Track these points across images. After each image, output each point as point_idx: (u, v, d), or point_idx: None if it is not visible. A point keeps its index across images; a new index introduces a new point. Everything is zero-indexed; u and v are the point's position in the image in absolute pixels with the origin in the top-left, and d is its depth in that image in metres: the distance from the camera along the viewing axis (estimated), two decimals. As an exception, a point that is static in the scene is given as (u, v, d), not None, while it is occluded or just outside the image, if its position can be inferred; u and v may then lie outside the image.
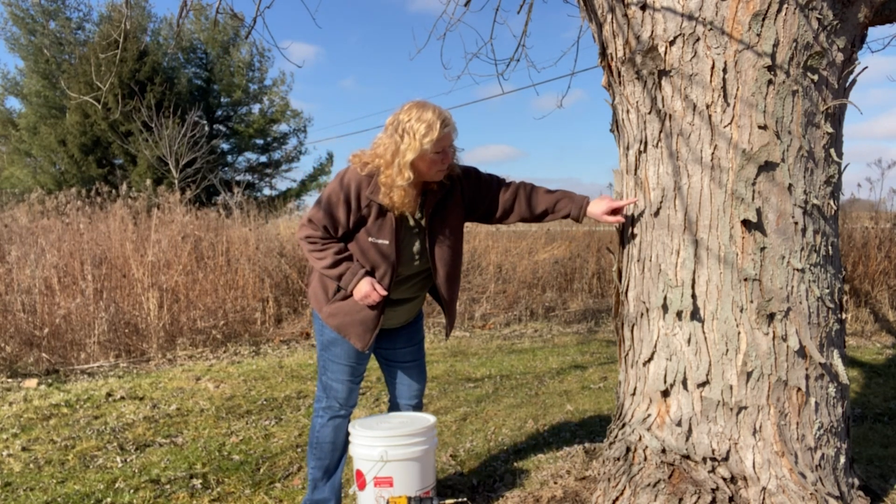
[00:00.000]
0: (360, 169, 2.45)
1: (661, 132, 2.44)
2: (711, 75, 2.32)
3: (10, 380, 5.24)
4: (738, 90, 2.31)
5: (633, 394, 2.63)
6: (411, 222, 2.53)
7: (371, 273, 2.49)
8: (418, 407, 2.88)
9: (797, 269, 2.33)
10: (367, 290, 2.46)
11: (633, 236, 2.63)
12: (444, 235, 2.57)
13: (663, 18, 2.37)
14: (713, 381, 2.37)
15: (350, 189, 2.43)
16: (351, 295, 2.52)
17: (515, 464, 3.28)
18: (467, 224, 2.81)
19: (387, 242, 2.46)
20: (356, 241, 2.49)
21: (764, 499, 2.29)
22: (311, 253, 2.50)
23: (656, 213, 2.48)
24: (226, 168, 25.17)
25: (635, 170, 2.57)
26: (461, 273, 2.71)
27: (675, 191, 2.42)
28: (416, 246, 2.55)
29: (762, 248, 2.32)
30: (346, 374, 2.63)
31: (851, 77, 2.45)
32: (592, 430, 3.77)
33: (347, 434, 2.70)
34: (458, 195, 2.61)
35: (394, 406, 2.89)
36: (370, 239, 2.46)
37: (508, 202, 2.64)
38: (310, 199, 25.90)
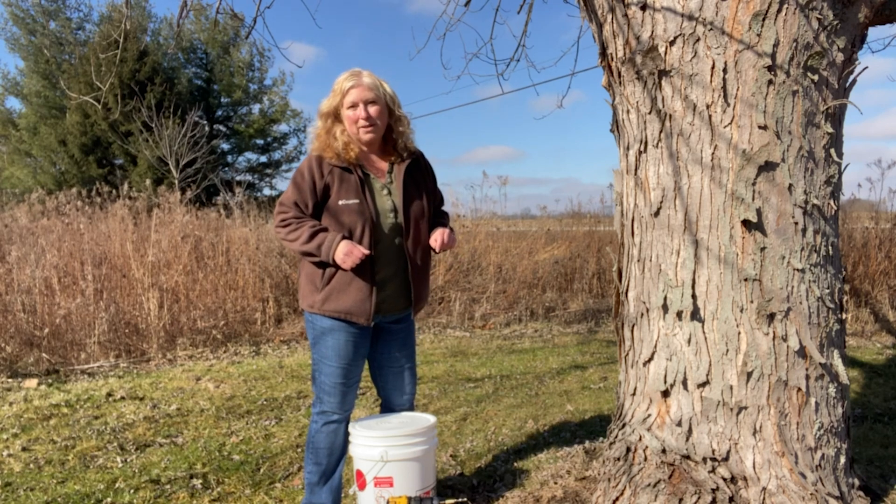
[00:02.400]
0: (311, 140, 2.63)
1: (661, 132, 2.44)
2: (711, 75, 2.32)
3: (10, 380, 5.24)
4: (738, 90, 2.31)
5: (634, 394, 2.63)
6: (378, 184, 2.61)
7: (349, 237, 2.52)
8: (411, 409, 2.87)
9: (797, 270, 2.33)
10: (347, 248, 2.44)
11: (634, 236, 2.63)
12: (414, 194, 2.65)
13: (663, 18, 2.37)
14: (713, 381, 2.37)
15: (311, 162, 2.55)
16: (337, 271, 2.52)
17: (515, 464, 3.28)
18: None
19: (356, 201, 2.52)
20: (328, 211, 2.54)
21: (764, 499, 2.29)
22: (287, 235, 2.53)
23: (656, 214, 2.48)
24: (226, 168, 25.19)
25: (635, 170, 2.57)
26: (429, 250, 2.73)
27: (675, 191, 2.42)
28: (389, 203, 2.60)
29: (762, 249, 2.32)
30: (340, 377, 2.60)
31: (851, 77, 2.45)
32: (592, 430, 3.77)
33: (346, 437, 2.68)
34: (424, 166, 2.75)
35: (387, 410, 2.87)
36: (340, 202, 2.52)
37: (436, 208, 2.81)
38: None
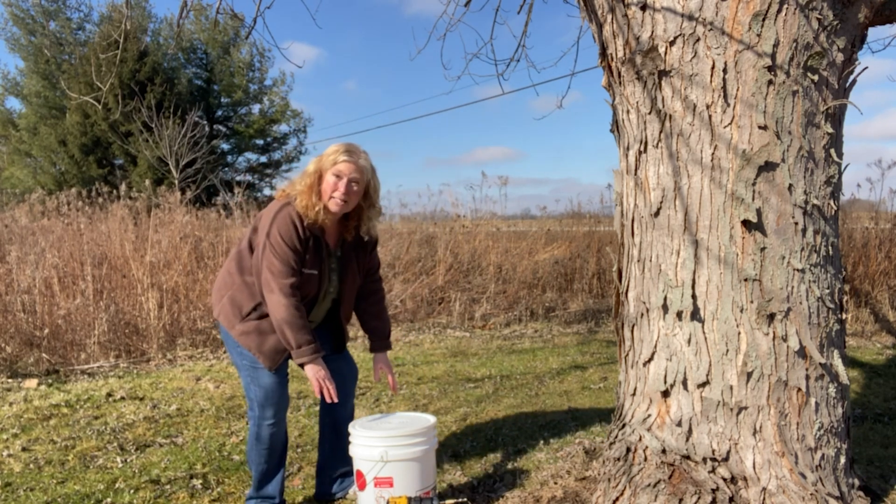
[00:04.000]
0: (290, 201, 2.61)
1: (661, 132, 2.44)
2: (711, 76, 2.32)
3: (10, 380, 5.24)
4: (738, 90, 2.31)
5: (634, 394, 2.63)
6: (332, 256, 2.72)
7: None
8: (352, 397, 2.98)
9: (797, 270, 2.33)
10: (323, 374, 2.60)
11: (634, 236, 2.63)
12: (354, 271, 2.79)
13: (663, 19, 2.37)
14: (713, 381, 2.37)
15: (296, 224, 2.55)
16: (264, 317, 2.61)
17: (515, 464, 3.28)
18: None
19: (315, 273, 2.63)
20: None
21: (764, 499, 2.29)
22: (288, 301, 2.50)
23: (656, 214, 2.48)
24: (226, 168, 25.18)
25: (635, 170, 2.57)
26: (351, 308, 2.96)
27: (675, 191, 2.42)
28: (335, 280, 2.75)
29: (762, 249, 2.32)
30: (273, 377, 2.69)
31: (851, 77, 2.45)
32: (592, 430, 3.77)
33: (286, 434, 2.83)
34: (370, 249, 2.88)
35: (330, 402, 2.89)
36: (305, 271, 2.58)
37: (367, 290, 2.95)
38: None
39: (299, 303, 2.54)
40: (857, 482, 2.53)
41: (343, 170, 2.56)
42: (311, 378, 2.61)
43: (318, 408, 3.01)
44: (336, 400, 2.62)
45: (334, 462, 2.97)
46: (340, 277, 2.76)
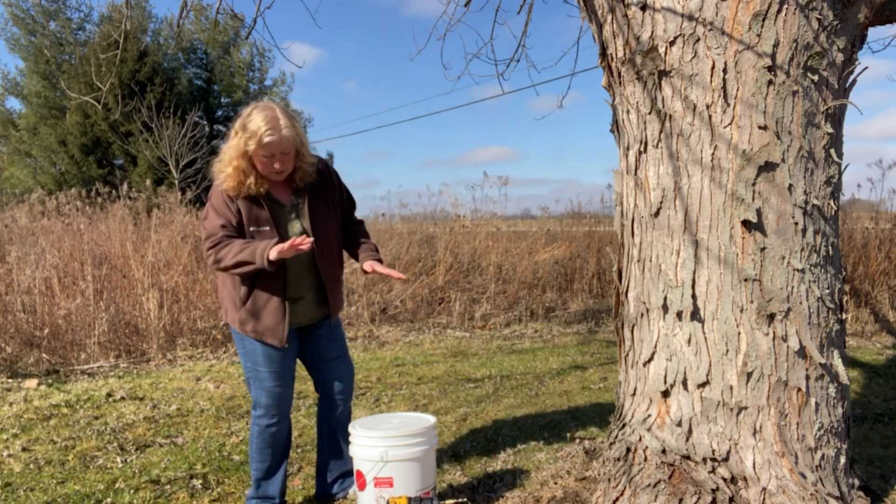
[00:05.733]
0: (218, 174, 2.64)
1: (661, 133, 2.44)
2: (711, 76, 2.32)
3: (10, 380, 5.24)
4: (738, 90, 2.31)
5: (634, 394, 2.63)
6: (285, 209, 2.68)
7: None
8: (349, 400, 2.95)
9: (797, 270, 2.33)
10: (286, 247, 2.45)
11: (634, 237, 2.63)
12: (322, 214, 2.73)
13: (663, 19, 2.37)
14: (713, 381, 2.37)
15: (221, 192, 2.60)
16: (252, 292, 2.61)
17: (515, 464, 3.28)
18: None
19: (267, 229, 2.60)
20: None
21: (764, 499, 2.29)
22: (218, 253, 2.56)
23: (656, 214, 2.48)
24: (226, 168, 25.13)
25: (635, 170, 2.57)
26: (341, 260, 2.88)
27: (675, 191, 2.42)
28: (297, 227, 2.68)
29: (762, 249, 2.32)
30: (274, 380, 2.70)
31: (851, 77, 2.45)
32: (592, 430, 3.77)
33: (289, 435, 2.84)
34: (334, 182, 2.82)
35: (326, 402, 2.93)
36: (251, 228, 2.60)
37: (353, 237, 2.91)
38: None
39: (228, 238, 2.57)
40: (857, 482, 2.53)
41: (273, 150, 2.54)
42: (282, 253, 2.46)
43: (317, 408, 3.01)
44: (307, 246, 2.48)
45: (334, 462, 2.97)
46: (311, 221, 2.68)
